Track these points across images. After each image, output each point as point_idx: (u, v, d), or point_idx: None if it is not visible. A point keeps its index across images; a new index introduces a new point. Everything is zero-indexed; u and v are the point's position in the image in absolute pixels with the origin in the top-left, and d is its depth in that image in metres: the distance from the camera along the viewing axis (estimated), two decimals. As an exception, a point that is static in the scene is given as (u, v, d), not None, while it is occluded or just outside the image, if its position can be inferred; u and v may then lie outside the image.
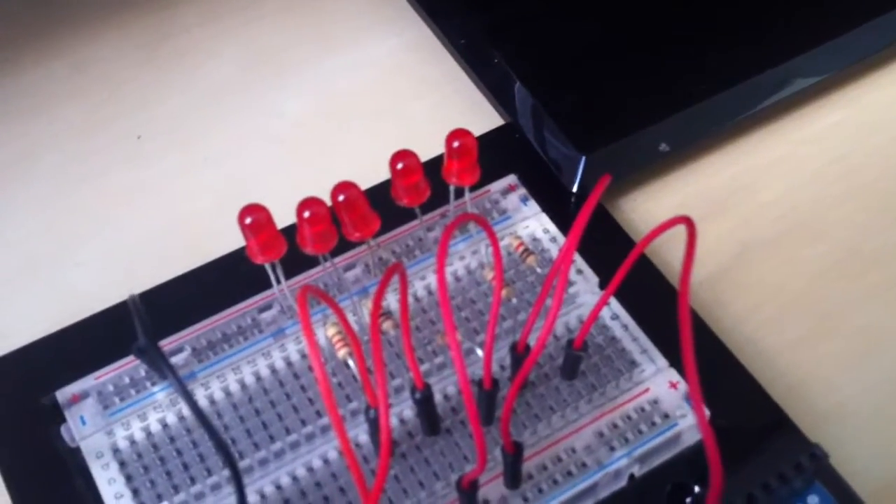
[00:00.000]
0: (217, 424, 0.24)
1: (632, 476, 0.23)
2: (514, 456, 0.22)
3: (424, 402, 0.22)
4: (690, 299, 0.25)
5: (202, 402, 0.24)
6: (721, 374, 0.25)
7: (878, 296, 0.28)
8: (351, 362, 0.24)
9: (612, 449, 0.23)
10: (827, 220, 0.29)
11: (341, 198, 0.22)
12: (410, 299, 0.26)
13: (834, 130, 0.31)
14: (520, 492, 0.23)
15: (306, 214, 0.22)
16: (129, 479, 0.23)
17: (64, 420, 0.24)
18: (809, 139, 0.31)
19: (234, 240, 0.25)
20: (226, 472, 0.23)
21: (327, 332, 0.24)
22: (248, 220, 0.22)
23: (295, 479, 0.23)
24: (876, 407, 0.25)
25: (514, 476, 0.22)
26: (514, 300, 0.26)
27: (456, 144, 0.24)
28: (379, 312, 0.22)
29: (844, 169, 0.30)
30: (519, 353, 0.23)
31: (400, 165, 0.23)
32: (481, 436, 0.20)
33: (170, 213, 0.29)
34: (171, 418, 0.24)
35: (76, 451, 0.24)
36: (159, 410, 0.24)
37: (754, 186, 0.30)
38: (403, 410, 0.24)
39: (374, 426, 0.22)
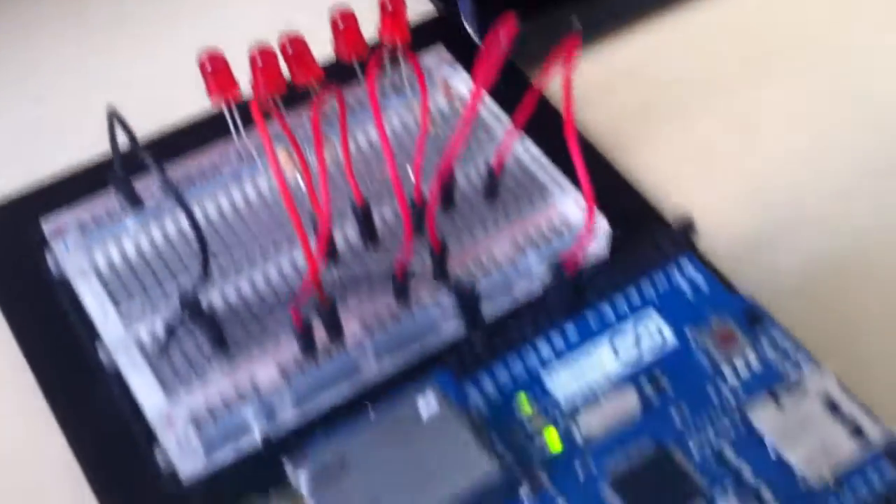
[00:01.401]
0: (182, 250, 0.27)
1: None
2: (440, 254, 0.26)
3: (363, 215, 0.26)
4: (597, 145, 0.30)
5: (169, 227, 0.28)
6: (613, 194, 0.29)
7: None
8: (299, 179, 0.27)
9: (525, 253, 0.27)
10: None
11: (286, 42, 0.26)
12: (353, 148, 0.29)
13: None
14: (445, 286, 0.27)
15: (256, 54, 0.26)
16: (109, 291, 0.26)
17: (49, 249, 0.28)
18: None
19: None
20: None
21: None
22: (206, 64, 0.26)
23: (254, 285, 0.27)
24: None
25: (441, 271, 0.26)
26: (442, 135, 0.29)
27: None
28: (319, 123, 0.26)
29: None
30: (442, 174, 0.27)
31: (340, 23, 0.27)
32: (409, 223, 0.24)
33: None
34: (144, 243, 0.27)
35: (62, 276, 0.27)
36: (133, 236, 0.27)
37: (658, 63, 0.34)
38: (347, 232, 0.28)
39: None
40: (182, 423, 0.24)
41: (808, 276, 0.28)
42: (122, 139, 0.26)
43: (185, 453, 0.24)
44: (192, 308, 0.24)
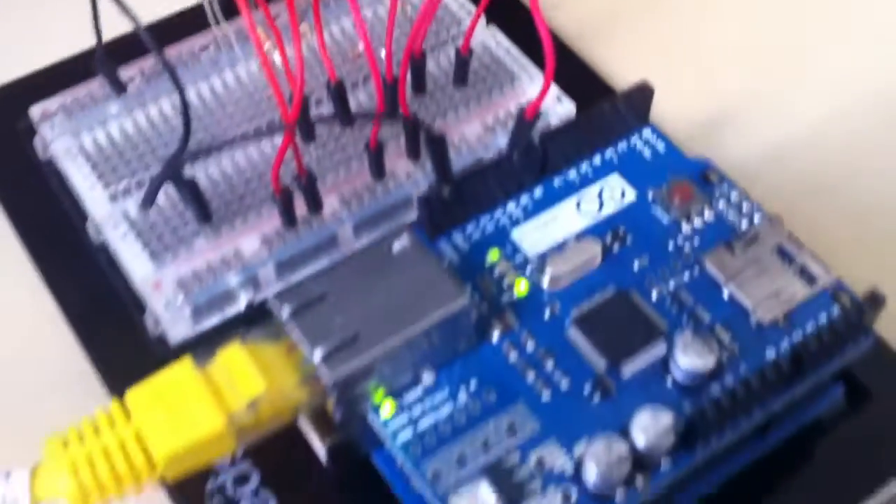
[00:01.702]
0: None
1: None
2: (412, 129, 0.27)
3: (337, 93, 0.27)
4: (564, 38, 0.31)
5: (152, 111, 0.29)
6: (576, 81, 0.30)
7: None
8: (276, 57, 0.28)
9: (496, 133, 0.29)
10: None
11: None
12: (327, 38, 0.31)
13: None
14: (420, 163, 0.28)
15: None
16: (95, 170, 0.28)
17: (37, 133, 0.29)
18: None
19: None
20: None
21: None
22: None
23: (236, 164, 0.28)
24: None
25: (413, 147, 0.27)
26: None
27: None
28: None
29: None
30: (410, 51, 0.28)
31: None
32: (381, 94, 0.25)
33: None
34: (128, 126, 0.28)
35: (50, 158, 0.28)
36: (117, 120, 0.28)
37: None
38: (323, 113, 0.29)
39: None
40: (170, 288, 0.25)
41: (759, 159, 0.30)
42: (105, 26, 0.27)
43: (173, 318, 0.25)
44: (175, 173, 0.25)
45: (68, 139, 0.28)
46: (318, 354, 0.20)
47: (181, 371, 0.20)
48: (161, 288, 0.25)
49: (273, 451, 0.24)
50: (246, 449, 0.24)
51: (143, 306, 0.26)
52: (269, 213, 0.27)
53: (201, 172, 0.27)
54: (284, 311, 0.21)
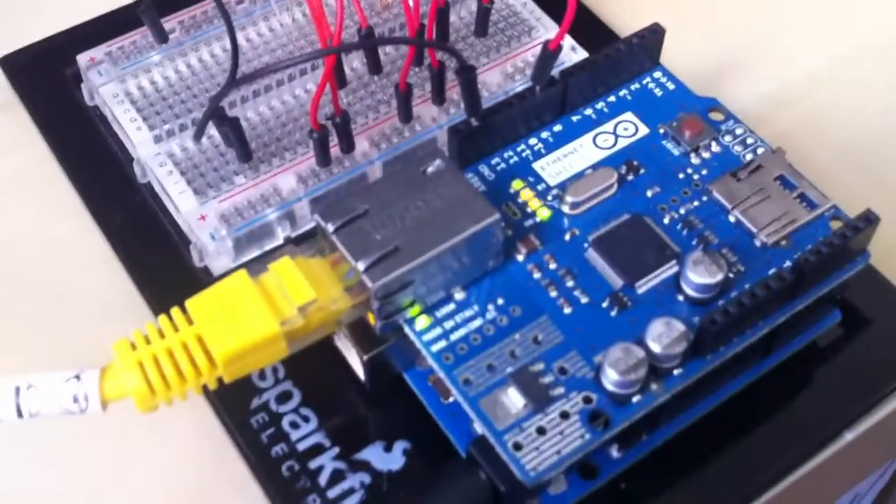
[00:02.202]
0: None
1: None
2: (438, 69, 0.29)
3: (367, 41, 0.29)
4: None
5: (192, 60, 0.31)
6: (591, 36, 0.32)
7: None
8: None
9: (515, 80, 0.30)
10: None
11: None
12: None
13: None
14: (444, 108, 0.30)
15: None
16: (140, 114, 0.29)
17: (84, 80, 0.30)
18: None
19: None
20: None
21: None
22: None
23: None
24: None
25: (439, 93, 0.29)
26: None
27: None
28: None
29: None
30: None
31: None
32: (413, 26, 0.27)
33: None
34: (170, 73, 0.30)
35: (96, 105, 0.30)
36: (160, 67, 0.30)
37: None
38: (354, 64, 0.31)
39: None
40: (214, 221, 0.27)
41: (761, 103, 0.32)
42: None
43: (216, 249, 0.27)
44: (220, 111, 0.27)
45: (114, 85, 0.30)
46: (361, 265, 0.22)
47: (237, 281, 0.22)
48: (206, 220, 0.27)
49: (313, 372, 0.26)
50: (288, 370, 0.26)
51: (187, 239, 0.28)
52: (304, 153, 0.29)
53: (241, 116, 0.29)
54: (329, 227, 0.23)
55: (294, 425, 0.25)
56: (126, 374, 0.21)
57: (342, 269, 0.23)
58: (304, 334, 0.22)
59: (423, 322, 0.23)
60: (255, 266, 0.23)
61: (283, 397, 0.25)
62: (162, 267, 0.28)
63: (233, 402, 0.25)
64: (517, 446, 0.22)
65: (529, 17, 0.32)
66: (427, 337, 0.23)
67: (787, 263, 0.24)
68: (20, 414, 0.21)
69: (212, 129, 0.29)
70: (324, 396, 0.26)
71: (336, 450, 0.25)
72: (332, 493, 0.24)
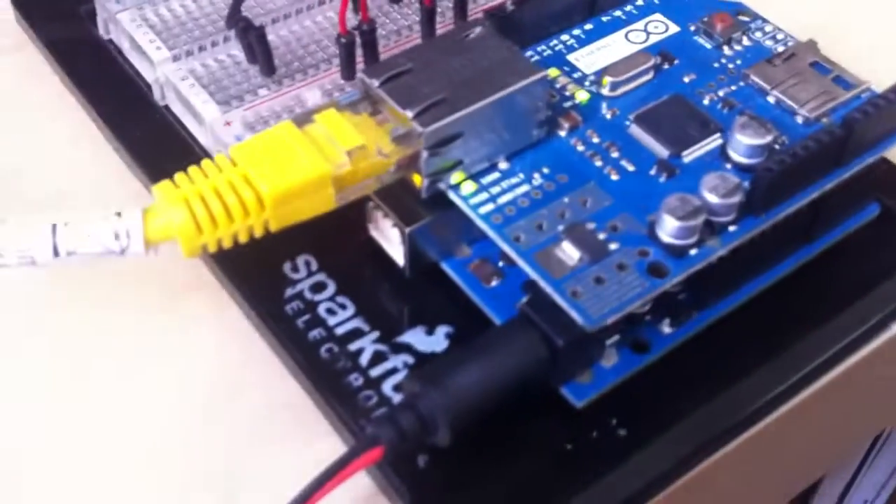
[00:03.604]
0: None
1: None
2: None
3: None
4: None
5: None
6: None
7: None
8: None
9: None
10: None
11: None
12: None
13: None
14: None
15: None
16: (159, 36, 0.29)
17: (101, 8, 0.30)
18: None
19: None
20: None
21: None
22: None
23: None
24: None
25: (462, 12, 0.29)
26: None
27: None
28: None
29: None
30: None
31: None
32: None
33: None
34: (188, 1, 0.30)
35: (111, 39, 0.30)
36: (179, -4, 0.30)
37: None
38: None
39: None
40: (239, 127, 0.27)
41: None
42: None
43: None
44: (243, 22, 0.27)
45: (131, 12, 0.29)
46: (410, 112, 0.21)
47: (283, 129, 0.21)
48: (230, 126, 0.27)
49: (348, 264, 0.25)
50: (321, 262, 0.25)
51: (210, 154, 0.27)
52: (327, 69, 0.28)
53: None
54: (374, 82, 0.22)
55: (330, 312, 0.24)
56: (171, 210, 0.20)
57: (388, 127, 0.22)
58: (351, 183, 0.21)
59: (469, 187, 0.23)
60: (301, 117, 0.22)
61: (318, 287, 0.24)
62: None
63: (265, 292, 0.24)
64: (575, 294, 0.21)
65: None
66: (474, 201, 0.23)
67: (832, 133, 0.24)
68: (56, 253, 0.19)
69: (232, 48, 0.28)
70: (360, 285, 0.25)
71: (376, 334, 0.23)
72: (374, 372, 0.23)
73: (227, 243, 0.20)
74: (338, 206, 0.22)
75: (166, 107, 0.29)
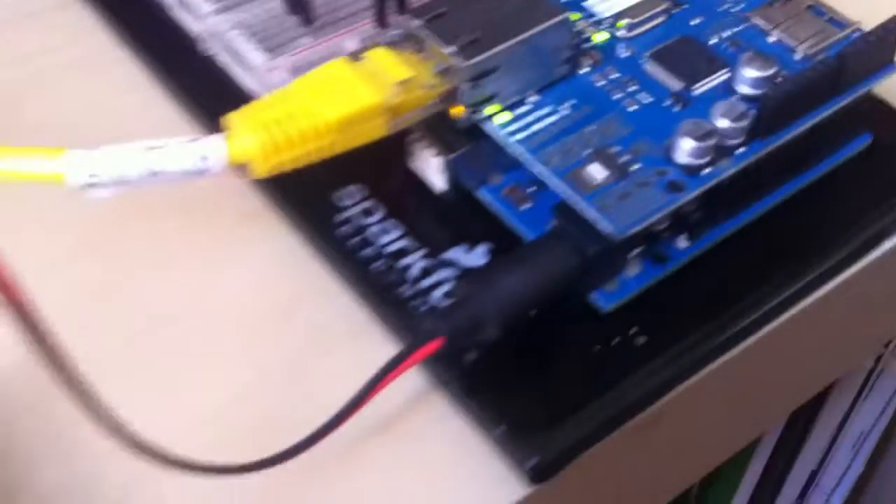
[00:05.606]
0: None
1: None
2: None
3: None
4: None
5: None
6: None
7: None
8: None
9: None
10: None
11: None
12: None
13: None
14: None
15: None
16: (205, -7, 0.31)
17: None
18: None
19: None
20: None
21: None
22: None
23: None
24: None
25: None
26: None
27: None
28: None
29: None
30: None
31: None
32: None
33: None
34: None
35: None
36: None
37: None
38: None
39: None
40: (285, 73, 0.29)
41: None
42: None
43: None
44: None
45: (179, -31, 0.32)
46: (453, 48, 0.24)
47: (338, 64, 0.24)
48: (276, 73, 0.29)
49: (390, 191, 0.27)
50: (369, 190, 0.27)
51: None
52: (362, 20, 0.31)
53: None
54: (416, 23, 0.25)
55: (378, 234, 0.26)
56: (249, 133, 0.22)
57: (429, 63, 0.25)
58: (400, 113, 0.24)
59: (503, 117, 0.25)
60: (352, 56, 0.24)
61: (365, 213, 0.27)
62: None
63: (315, 217, 0.27)
64: (604, 207, 0.23)
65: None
66: (508, 129, 0.25)
67: (826, 67, 0.27)
68: (147, 172, 0.22)
69: (268, 2, 0.31)
70: (403, 210, 0.27)
71: (422, 251, 0.26)
72: (422, 284, 0.25)
73: (298, 164, 0.23)
74: (388, 133, 0.24)
75: (211, 57, 0.31)
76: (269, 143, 0.22)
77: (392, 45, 0.25)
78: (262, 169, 0.22)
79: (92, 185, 0.22)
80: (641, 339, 0.25)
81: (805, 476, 0.51)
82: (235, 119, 0.23)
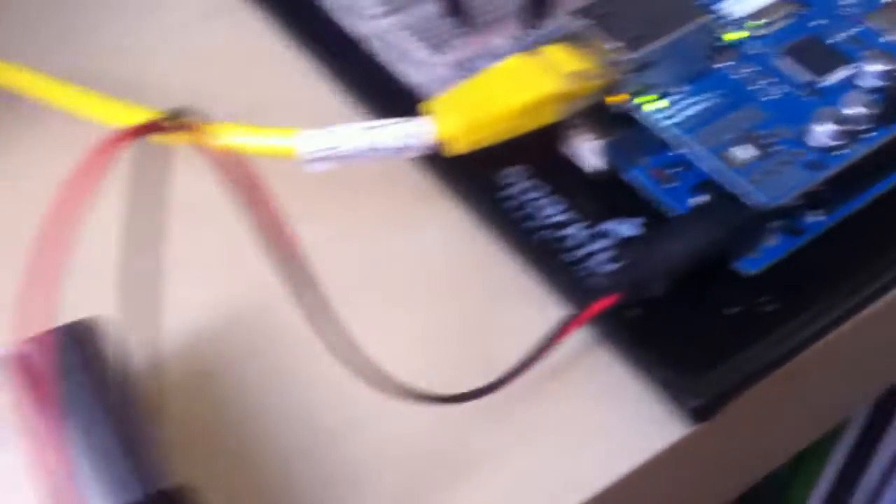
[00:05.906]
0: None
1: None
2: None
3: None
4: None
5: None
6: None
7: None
8: None
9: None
10: None
11: None
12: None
13: None
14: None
15: None
16: (368, -2, 0.35)
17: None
18: None
19: None
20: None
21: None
22: None
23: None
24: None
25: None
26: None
27: None
28: None
29: None
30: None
31: None
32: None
33: None
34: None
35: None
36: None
37: None
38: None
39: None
40: (449, 69, 0.33)
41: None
42: None
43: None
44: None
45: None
46: (619, 42, 0.28)
47: (517, 59, 0.28)
48: (440, 68, 0.33)
49: (548, 173, 0.31)
50: (528, 172, 0.31)
51: (425, 95, 0.33)
52: (507, 22, 0.34)
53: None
54: (583, 22, 0.28)
55: (541, 207, 0.30)
56: (456, 114, 0.26)
57: (592, 57, 0.28)
58: (569, 101, 0.27)
59: (659, 105, 0.29)
60: (526, 52, 0.28)
61: (526, 190, 0.30)
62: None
63: (481, 193, 0.30)
64: (755, 180, 0.27)
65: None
66: (660, 115, 0.29)
67: (947, 67, 0.30)
68: (365, 148, 0.25)
69: (427, 5, 0.34)
70: (562, 187, 0.30)
71: (581, 224, 0.29)
72: (583, 251, 0.29)
73: (486, 143, 0.26)
74: (558, 119, 0.28)
75: (371, 56, 0.34)
76: (473, 122, 0.26)
77: (557, 41, 0.28)
78: (461, 145, 0.26)
79: (318, 160, 0.25)
80: (774, 306, 0.28)
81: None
82: (437, 104, 0.26)
